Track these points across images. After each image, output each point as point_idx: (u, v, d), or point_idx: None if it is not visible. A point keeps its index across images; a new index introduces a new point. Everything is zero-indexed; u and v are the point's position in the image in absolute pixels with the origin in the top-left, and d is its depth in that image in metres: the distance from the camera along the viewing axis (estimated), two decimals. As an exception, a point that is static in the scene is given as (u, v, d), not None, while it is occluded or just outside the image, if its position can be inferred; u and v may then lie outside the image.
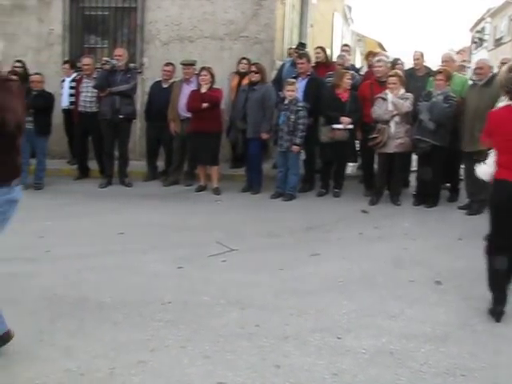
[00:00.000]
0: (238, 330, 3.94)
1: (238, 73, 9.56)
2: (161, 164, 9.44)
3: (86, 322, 4.05)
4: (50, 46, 11.11)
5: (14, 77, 8.15)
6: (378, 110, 7.62)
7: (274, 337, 3.83)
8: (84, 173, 9.39)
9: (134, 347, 3.69)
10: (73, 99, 9.34)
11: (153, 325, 4.01)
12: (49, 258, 5.29)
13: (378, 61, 8.31)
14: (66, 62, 10.09)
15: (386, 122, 7.57)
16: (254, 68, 8.31)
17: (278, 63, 10.45)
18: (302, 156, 8.56)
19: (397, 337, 3.86)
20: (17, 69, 8.96)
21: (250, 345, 3.73)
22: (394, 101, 7.52)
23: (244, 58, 9.56)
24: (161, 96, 9.09)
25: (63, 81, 9.56)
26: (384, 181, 7.98)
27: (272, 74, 9.78)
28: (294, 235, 6.36)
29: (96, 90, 8.89)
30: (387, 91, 7.64)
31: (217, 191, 8.41)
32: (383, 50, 21.07)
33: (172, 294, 4.54)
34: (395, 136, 7.55)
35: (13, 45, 10.98)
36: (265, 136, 8.23)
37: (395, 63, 8.99)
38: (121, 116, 8.67)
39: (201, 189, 8.59)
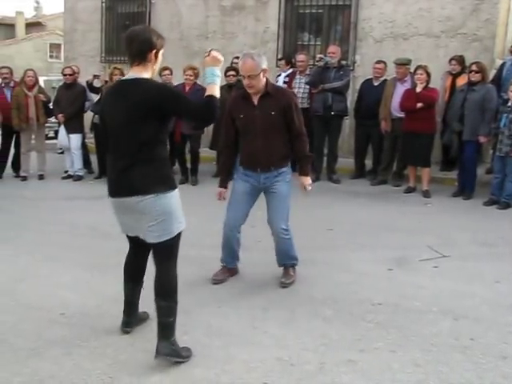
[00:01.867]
0: (451, 341, 3.76)
1: (450, 73, 9.15)
2: (368, 162, 9.38)
3: (297, 314, 4.15)
4: (265, 44, 11.60)
5: (233, 72, 8.80)
6: None
7: (491, 354, 3.59)
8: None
9: (343, 345, 3.70)
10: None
11: (363, 325, 3.99)
12: (260, 248, 5.48)
13: None
14: (281, 59, 10.42)
15: None
16: (474, 67, 7.86)
17: (498, 62, 9.78)
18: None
19: None
20: (234, 65, 9.45)
21: (465, 359, 3.54)
22: None
23: (453, 59, 9.11)
24: (371, 94, 9.02)
25: (279, 75, 9.87)
26: None
27: (491, 74, 9.19)
28: (510, 246, 5.93)
29: (308, 86, 9.08)
30: None
31: (427, 194, 8.14)
32: None
33: (382, 296, 4.48)
34: None
35: (231, 43, 11.66)
36: (483, 139, 7.77)
37: None
38: (333, 112, 8.77)
39: (410, 190, 8.38)
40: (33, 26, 41.58)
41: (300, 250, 4.85)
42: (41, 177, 9.35)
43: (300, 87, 9.29)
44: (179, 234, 3.45)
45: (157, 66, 3.44)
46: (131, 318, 3.84)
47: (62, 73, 9.43)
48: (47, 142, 10.00)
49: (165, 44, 3.43)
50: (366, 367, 3.43)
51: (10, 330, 3.90)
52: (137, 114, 3.23)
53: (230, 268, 4.86)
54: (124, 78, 3.53)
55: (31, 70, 9.42)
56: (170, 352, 3.38)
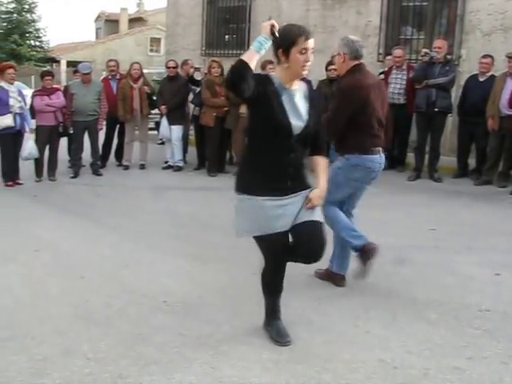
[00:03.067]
0: None
1: None
2: (471, 161, 9.01)
3: (399, 316, 4.03)
4: (366, 38, 11.34)
5: (333, 66, 8.65)
6: None
7: None
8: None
9: (449, 351, 3.55)
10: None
11: (469, 331, 3.81)
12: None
13: None
14: (388, 54, 10.17)
15: None
16: None
17: None
18: None
19: None
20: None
21: None
22: None
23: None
24: (476, 90, 8.65)
25: (381, 73, 9.64)
26: None
27: None
28: None
29: (404, 82, 8.84)
30: None
31: (535, 196, 7.74)
32: None
33: (490, 302, 4.27)
34: None
35: (331, 37, 11.51)
36: None
37: None
38: (436, 109, 8.49)
39: (517, 191, 7.99)
40: (135, 21, 43.08)
41: (400, 249, 4.72)
42: (142, 166, 9.64)
43: (396, 82, 9.07)
44: None
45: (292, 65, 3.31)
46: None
47: (165, 65, 9.66)
48: (149, 132, 10.29)
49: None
50: (475, 377, 3.26)
51: (116, 313, 4.03)
52: None
53: (335, 273, 4.70)
54: None
55: (137, 63, 9.72)
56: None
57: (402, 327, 3.87)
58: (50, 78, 8.72)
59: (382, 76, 9.34)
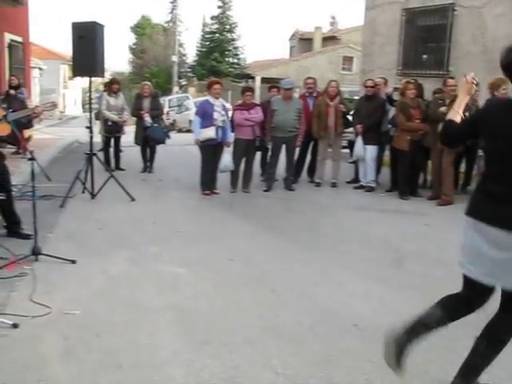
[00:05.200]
0: None
1: None
2: None
3: None
4: None
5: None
6: None
7: None
8: None
9: None
10: None
11: None
12: None
13: None
14: None
15: None
16: None
17: None
18: None
19: None
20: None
21: None
22: None
23: None
24: None
25: None
26: None
27: None
28: None
29: None
30: None
31: None
32: None
33: None
34: None
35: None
36: None
37: None
38: None
39: None
40: (328, 39, 43.72)
41: None
42: (333, 184, 9.64)
43: None
44: None
45: None
46: None
47: (363, 85, 9.60)
48: (341, 150, 10.27)
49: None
50: None
51: (306, 331, 4.01)
52: None
53: None
54: None
55: (334, 81, 9.76)
56: None
57: None
58: (250, 93, 9.07)
59: None
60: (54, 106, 6.52)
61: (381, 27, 14.54)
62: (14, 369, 3.41)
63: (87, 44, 7.75)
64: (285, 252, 5.92)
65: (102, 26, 8.10)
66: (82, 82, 49.62)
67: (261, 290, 4.79)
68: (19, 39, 16.57)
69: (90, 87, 8.63)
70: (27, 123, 6.27)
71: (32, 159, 5.23)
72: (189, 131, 23.08)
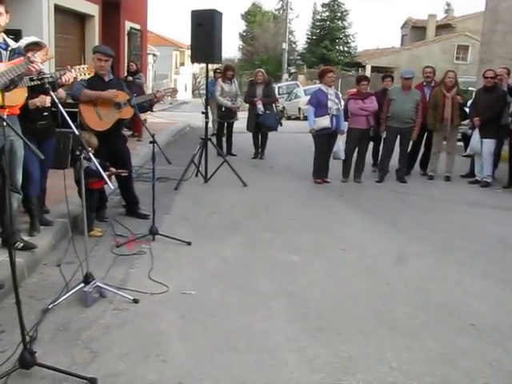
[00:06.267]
0: None
1: None
2: None
3: None
4: None
5: None
6: None
7: None
8: None
9: None
10: None
11: None
12: None
13: None
14: None
15: None
16: None
17: None
18: None
19: None
20: None
21: None
22: None
23: None
24: None
25: None
26: None
27: None
28: None
29: None
30: None
31: None
32: None
33: None
34: None
35: None
36: None
37: None
38: None
39: None
40: (442, 28, 42.22)
41: None
42: (447, 178, 9.32)
43: None
44: None
45: None
46: None
47: (482, 75, 9.17)
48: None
49: None
50: None
51: (420, 326, 3.93)
52: None
53: None
54: None
55: (452, 71, 9.40)
56: None
57: None
58: (365, 82, 8.94)
59: None
60: (175, 91, 6.75)
61: (504, 14, 13.82)
62: (135, 341, 3.59)
63: (206, 31, 7.93)
64: (398, 245, 5.82)
65: (220, 14, 8.25)
66: (193, 67, 51.17)
67: (374, 282, 4.74)
68: (137, 27, 17.19)
69: (206, 73, 8.83)
70: (149, 107, 6.48)
71: (153, 142, 5.43)
72: (297, 118, 23.18)
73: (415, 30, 44.48)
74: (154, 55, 35.52)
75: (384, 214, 7.13)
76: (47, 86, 4.19)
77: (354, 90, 9.44)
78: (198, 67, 44.68)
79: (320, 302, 4.28)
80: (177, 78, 44.64)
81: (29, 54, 4.15)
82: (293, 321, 3.96)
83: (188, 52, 51.52)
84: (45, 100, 4.98)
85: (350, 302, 4.32)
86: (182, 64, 49.39)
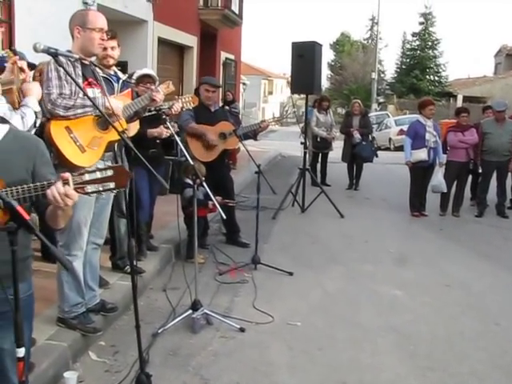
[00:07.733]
0: None
1: None
2: None
3: None
4: None
5: None
6: None
7: None
8: None
9: None
10: None
11: None
12: None
13: None
14: None
15: None
16: None
17: None
18: None
19: None
20: None
21: None
22: None
23: None
24: None
25: None
26: None
27: None
28: None
29: None
30: None
31: None
32: None
33: None
34: None
35: None
36: None
37: None
38: None
39: None
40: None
41: None
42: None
43: None
44: None
45: None
46: None
47: None
48: None
49: None
50: None
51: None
52: None
53: None
54: None
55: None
56: None
57: None
58: (465, 114, 8.74)
59: None
60: (279, 120, 6.84)
61: None
62: (244, 371, 3.64)
63: (306, 62, 8.05)
64: (504, 282, 5.62)
65: (320, 46, 8.37)
66: (281, 96, 51.69)
67: (483, 321, 4.59)
68: (232, 57, 17.68)
69: (306, 104, 8.93)
70: (252, 137, 6.60)
71: (258, 172, 5.53)
72: (387, 149, 22.89)
73: (510, 58, 43.07)
74: (244, 84, 36.17)
75: (487, 249, 6.89)
76: (164, 117, 4.39)
77: (446, 120, 9.24)
78: (286, 96, 45.10)
79: (428, 340, 4.19)
80: (265, 106, 45.25)
81: (152, 87, 4.35)
82: (402, 358, 3.89)
83: (276, 81, 52.48)
84: (162, 132, 5.20)
85: (459, 340, 4.20)
86: (270, 93, 50.08)
